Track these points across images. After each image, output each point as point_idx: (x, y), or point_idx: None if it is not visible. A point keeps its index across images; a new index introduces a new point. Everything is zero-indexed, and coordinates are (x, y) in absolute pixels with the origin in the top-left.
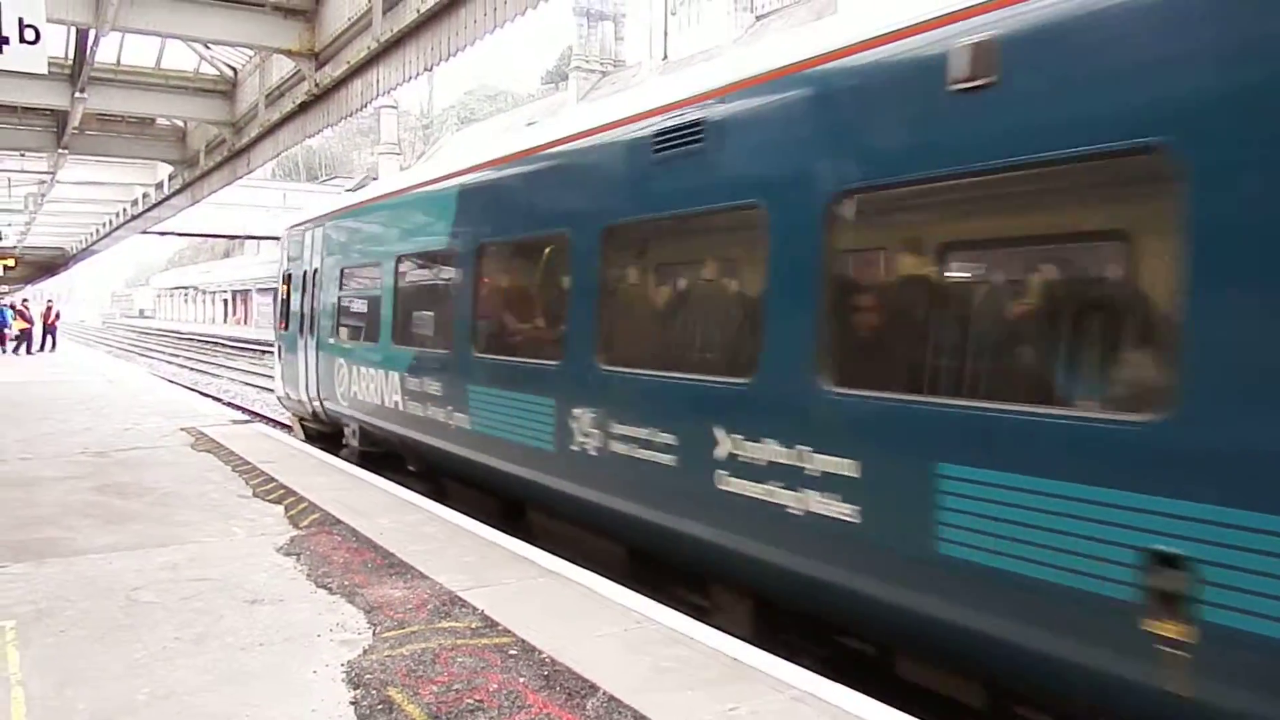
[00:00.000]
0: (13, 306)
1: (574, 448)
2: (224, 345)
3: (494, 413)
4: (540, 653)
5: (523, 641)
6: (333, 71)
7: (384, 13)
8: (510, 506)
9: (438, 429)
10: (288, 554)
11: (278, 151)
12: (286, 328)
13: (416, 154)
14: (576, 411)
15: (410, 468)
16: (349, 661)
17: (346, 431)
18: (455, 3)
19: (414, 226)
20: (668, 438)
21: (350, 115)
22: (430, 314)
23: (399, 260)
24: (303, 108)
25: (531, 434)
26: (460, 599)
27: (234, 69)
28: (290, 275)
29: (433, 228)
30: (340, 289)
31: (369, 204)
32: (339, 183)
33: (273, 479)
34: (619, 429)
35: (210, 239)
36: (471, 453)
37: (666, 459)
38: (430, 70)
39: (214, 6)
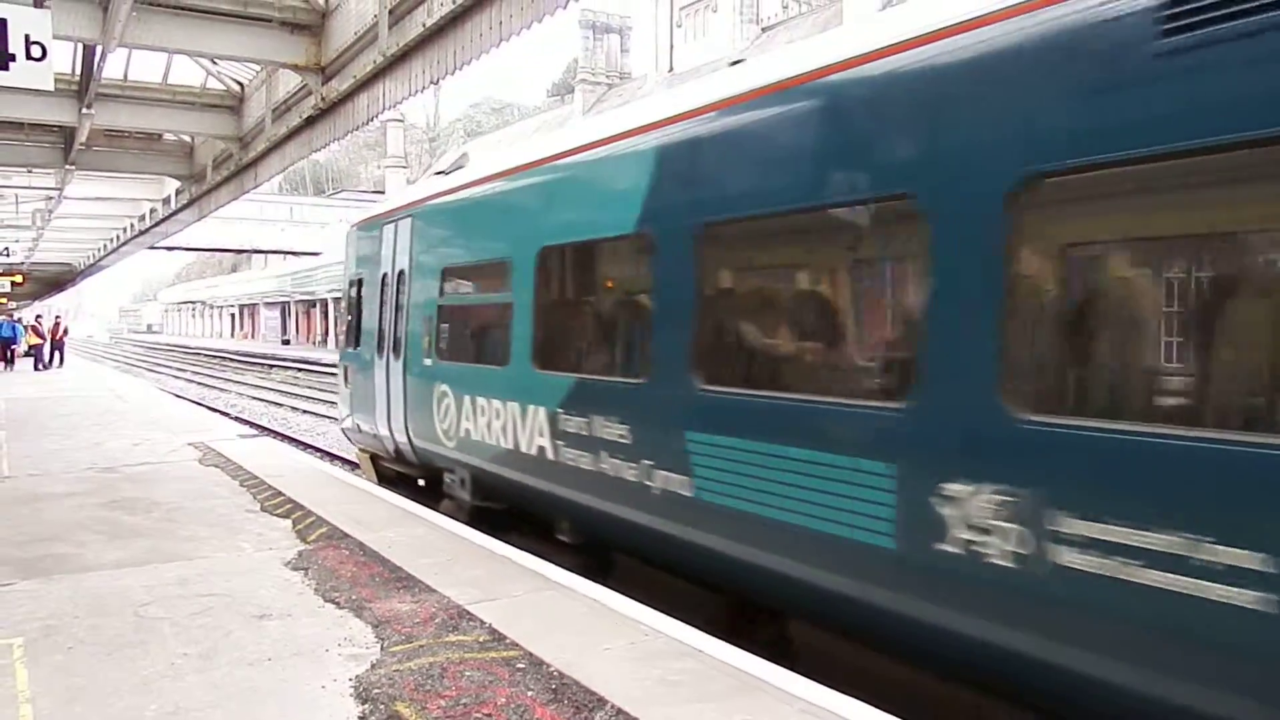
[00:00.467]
0: (20, 321)
1: (953, 550)
2: (231, 360)
3: (745, 477)
4: (548, 666)
5: (530, 655)
6: (339, 86)
7: (390, 27)
8: (749, 610)
9: (623, 491)
10: (295, 568)
11: (284, 166)
12: (357, 345)
13: (423, 167)
14: (957, 489)
15: (561, 537)
16: (357, 676)
17: (449, 479)
18: (461, 17)
19: (572, 206)
20: (1261, 564)
21: (357, 129)
22: (603, 327)
23: (544, 254)
24: (309, 122)
25: (837, 517)
26: (468, 612)
27: (241, 84)
28: (361, 281)
29: (607, 206)
30: (443, 295)
31: (488, 182)
32: (345, 196)
33: (280, 493)
34: (1080, 529)
35: (217, 254)
36: (692, 532)
37: (1248, 599)
38: (436, 84)
39: (221, 22)
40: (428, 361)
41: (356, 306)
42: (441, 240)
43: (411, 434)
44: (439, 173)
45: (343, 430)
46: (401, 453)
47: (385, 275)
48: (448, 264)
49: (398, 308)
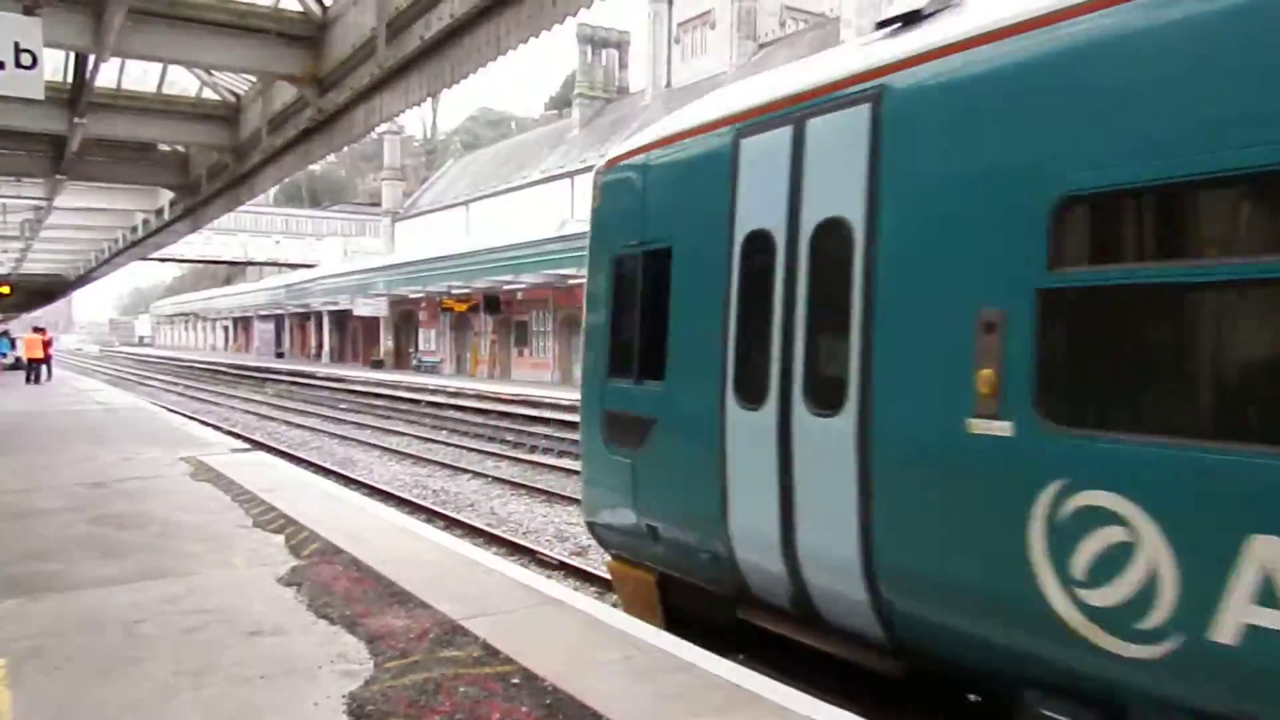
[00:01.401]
0: (5, 334)
1: None
2: (225, 373)
3: None
4: (542, 681)
5: (525, 670)
6: (336, 98)
7: (388, 40)
8: None
9: None
10: (288, 584)
11: (280, 177)
12: (648, 377)
13: (420, 179)
14: None
15: None
16: (351, 693)
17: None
18: (459, 31)
19: None
20: None
21: (354, 141)
22: None
23: None
24: (306, 134)
25: None
26: (462, 628)
27: (236, 95)
28: (651, 258)
29: None
30: (1097, 260)
31: None
32: (342, 208)
33: (273, 508)
34: None
35: (212, 265)
36: None
37: None
38: (434, 96)
39: (217, 33)
40: (1002, 427)
41: (639, 303)
42: (1047, 136)
43: (884, 584)
44: (896, 20)
45: (592, 524)
46: (819, 611)
47: (761, 239)
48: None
49: (811, 305)
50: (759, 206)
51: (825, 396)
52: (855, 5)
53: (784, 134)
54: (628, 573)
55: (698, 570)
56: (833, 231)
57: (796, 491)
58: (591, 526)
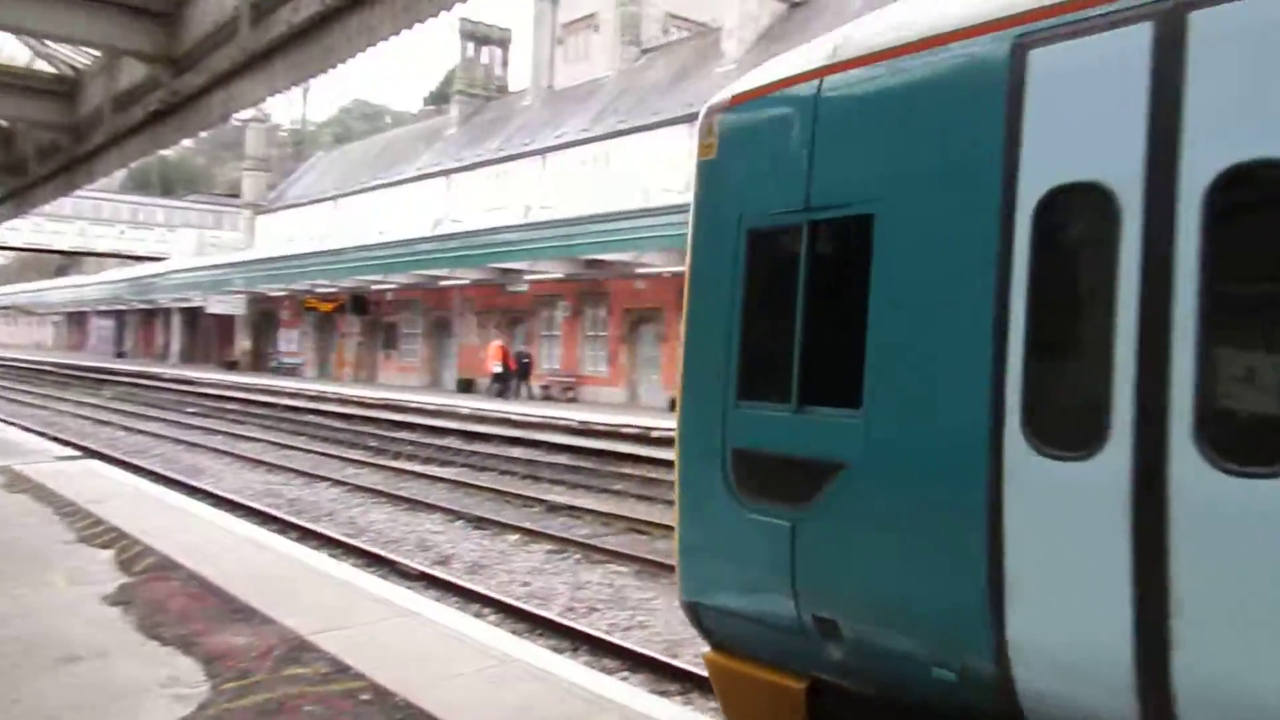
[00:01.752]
0: None
1: None
2: (52, 373)
3: None
4: (394, 696)
5: (376, 685)
6: (193, 80)
7: (252, 23)
8: None
9: None
10: (115, 604)
11: (125, 162)
12: (820, 401)
13: (285, 171)
14: None
15: None
16: (182, 718)
17: None
18: (330, 17)
19: None
20: None
21: (210, 127)
22: None
23: None
24: (156, 116)
25: None
26: (309, 643)
27: (75, 68)
28: (844, 225)
29: None
30: None
31: None
32: (198, 198)
33: (102, 521)
34: None
35: (42, 255)
36: None
37: None
38: (301, 85)
39: None
40: None
41: (803, 293)
42: None
43: None
44: None
45: (697, 606)
46: None
47: (1080, 197)
48: None
49: (1210, 296)
50: (1076, 149)
51: (1252, 444)
52: (737, 16)
53: (1133, 37)
54: (753, 676)
55: (920, 689)
56: (1262, 182)
57: (1175, 592)
58: (695, 609)
